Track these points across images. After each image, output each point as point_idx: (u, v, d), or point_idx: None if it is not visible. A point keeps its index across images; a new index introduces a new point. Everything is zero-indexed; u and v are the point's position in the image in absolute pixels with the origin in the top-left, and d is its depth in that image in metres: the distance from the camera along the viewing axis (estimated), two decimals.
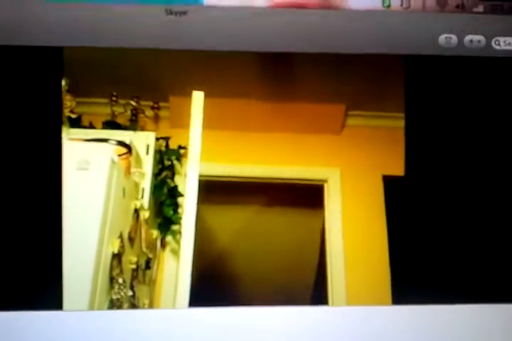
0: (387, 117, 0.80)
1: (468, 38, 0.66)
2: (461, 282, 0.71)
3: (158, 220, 0.86)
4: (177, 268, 0.82)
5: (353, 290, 0.85)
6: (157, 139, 0.88)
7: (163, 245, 0.85)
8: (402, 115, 0.70)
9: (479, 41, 0.66)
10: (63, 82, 0.75)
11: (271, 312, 0.68)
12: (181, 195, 0.86)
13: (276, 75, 0.82)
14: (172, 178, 0.88)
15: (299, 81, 0.81)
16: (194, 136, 0.85)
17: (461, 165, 0.71)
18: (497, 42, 0.66)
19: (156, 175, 0.87)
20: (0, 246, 0.64)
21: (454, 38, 0.66)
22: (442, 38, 0.66)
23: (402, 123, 0.71)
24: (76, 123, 0.83)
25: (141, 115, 0.87)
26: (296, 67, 0.80)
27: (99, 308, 0.68)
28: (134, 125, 0.87)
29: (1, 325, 0.64)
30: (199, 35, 0.65)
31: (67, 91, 0.78)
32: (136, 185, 0.86)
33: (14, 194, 0.66)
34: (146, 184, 0.86)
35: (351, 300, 0.86)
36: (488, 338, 0.69)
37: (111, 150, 0.82)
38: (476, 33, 0.66)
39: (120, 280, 0.76)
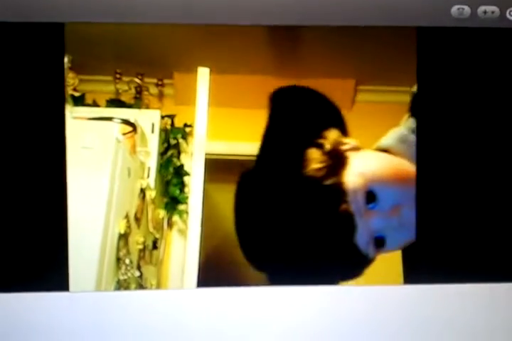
0: (399, 92, 0.78)
1: (481, 8, 0.65)
2: (472, 261, 0.70)
3: (165, 200, 0.85)
4: (184, 248, 0.82)
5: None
6: (162, 117, 0.87)
7: (170, 225, 0.85)
8: (415, 89, 0.69)
9: (493, 12, 0.65)
10: (66, 59, 0.74)
11: (279, 292, 0.68)
12: (188, 174, 0.86)
13: (284, 50, 0.80)
14: (178, 157, 0.87)
15: (308, 56, 0.80)
16: (200, 113, 0.84)
17: (475, 139, 0.70)
18: (511, 13, 0.64)
19: (161, 153, 0.86)
20: (5, 228, 0.64)
21: (466, 9, 0.65)
22: (455, 9, 0.65)
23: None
24: (79, 101, 0.82)
25: (146, 92, 0.86)
26: (305, 41, 0.79)
27: (106, 289, 0.68)
28: (138, 103, 0.86)
29: (7, 306, 0.64)
30: (205, 10, 0.64)
31: (70, 68, 0.77)
32: (142, 164, 0.85)
33: (18, 174, 0.66)
34: (152, 163, 0.86)
35: (361, 280, 0.86)
36: (498, 317, 0.68)
37: (115, 128, 0.81)
38: (489, 4, 0.65)
39: (127, 261, 0.76)
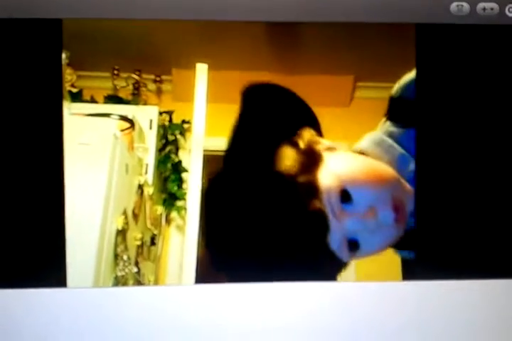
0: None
1: (480, 5, 0.65)
2: (472, 257, 0.70)
3: (163, 196, 0.85)
4: (182, 244, 0.82)
5: (361, 265, 0.84)
6: (160, 113, 0.86)
7: (168, 221, 0.85)
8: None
9: (492, 9, 0.65)
10: (63, 55, 0.73)
11: (278, 289, 0.67)
12: (186, 170, 0.86)
13: (283, 46, 0.80)
14: (176, 153, 0.87)
15: (306, 52, 0.79)
16: (198, 109, 0.84)
17: (474, 135, 0.70)
18: (511, 10, 0.64)
19: (159, 150, 0.86)
20: (3, 224, 0.64)
21: (466, 6, 0.65)
22: (454, 5, 0.65)
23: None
24: (77, 97, 0.82)
25: (144, 89, 0.86)
26: (303, 37, 0.78)
27: (104, 285, 0.68)
28: (136, 99, 0.86)
29: (5, 303, 0.64)
30: (203, 5, 0.64)
31: (68, 64, 0.77)
32: (140, 160, 0.85)
33: (16, 171, 0.66)
34: (150, 159, 0.85)
35: (359, 276, 0.86)
36: (498, 313, 0.68)
37: (113, 125, 0.81)
38: (488, 1, 0.65)
39: (125, 257, 0.76)
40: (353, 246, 0.62)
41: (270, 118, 0.69)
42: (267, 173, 0.63)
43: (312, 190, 0.61)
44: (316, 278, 0.65)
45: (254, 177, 0.64)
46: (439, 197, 0.69)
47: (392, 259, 0.72)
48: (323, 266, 0.64)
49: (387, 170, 0.65)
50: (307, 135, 0.66)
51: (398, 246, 0.67)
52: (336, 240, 0.61)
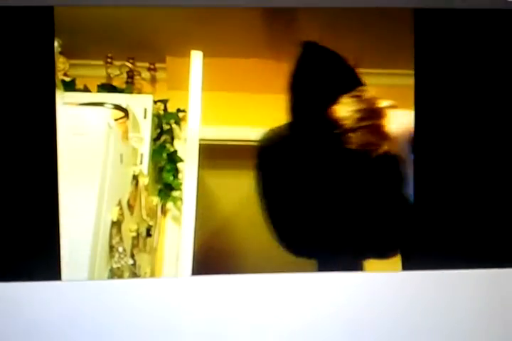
0: (397, 74, 0.76)
1: None
2: (471, 247, 0.70)
3: (158, 186, 0.84)
4: (179, 235, 0.81)
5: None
6: (155, 102, 0.85)
7: (164, 212, 0.84)
8: (412, 72, 0.68)
9: None
10: (56, 44, 0.72)
11: (276, 280, 0.67)
12: (181, 160, 0.85)
13: (279, 33, 0.79)
14: (171, 143, 0.86)
15: (304, 38, 0.78)
16: (193, 98, 0.83)
17: (474, 122, 0.69)
18: None
19: (154, 139, 0.85)
20: None
21: None
22: None
23: (412, 80, 0.69)
24: (70, 86, 0.80)
25: (138, 77, 0.84)
26: (301, 23, 0.77)
27: (99, 278, 0.68)
28: (130, 87, 0.84)
29: (0, 296, 0.63)
30: None
31: (60, 53, 0.76)
32: (135, 150, 0.84)
33: (8, 162, 0.65)
34: (145, 149, 0.84)
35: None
36: (497, 302, 0.69)
37: (107, 114, 0.80)
38: None
39: (120, 249, 0.75)
40: None
41: (331, 70, 0.72)
42: (328, 119, 0.64)
43: (381, 134, 0.63)
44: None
45: (318, 123, 0.66)
46: (439, 186, 0.69)
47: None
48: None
49: None
50: (367, 92, 0.69)
51: None
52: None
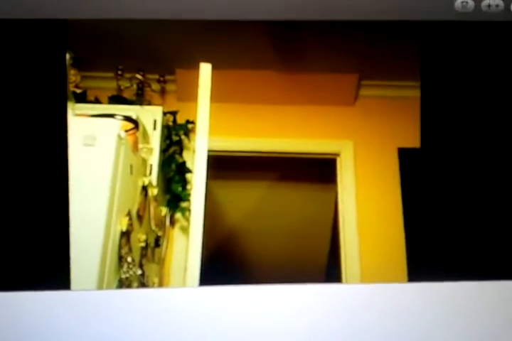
0: (402, 87, 0.77)
1: (485, 2, 0.64)
2: (477, 259, 0.70)
3: (167, 197, 0.85)
4: (187, 245, 0.82)
5: (367, 267, 0.84)
6: (164, 114, 0.86)
7: (173, 222, 0.84)
8: (418, 84, 0.69)
9: (497, 5, 0.64)
10: (67, 56, 0.73)
11: (283, 291, 0.67)
12: (190, 171, 0.85)
13: (287, 45, 0.80)
14: (180, 154, 0.87)
15: (310, 50, 0.79)
16: (202, 109, 0.83)
17: (479, 135, 0.69)
18: None
19: (163, 150, 0.86)
20: (7, 226, 0.64)
21: (470, 3, 0.64)
22: (458, 2, 0.64)
23: (417, 92, 0.69)
24: (81, 98, 0.82)
25: (148, 89, 0.86)
26: (308, 36, 0.78)
27: (108, 288, 0.68)
28: (140, 99, 0.86)
29: (9, 305, 0.64)
30: (206, 5, 0.63)
31: (72, 65, 0.77)
32: (144, 161, 0.85)
33: (20, 172, 0.66)
34: (154, 160, 0.85)
35: (365, 278, 0.85)
36: (502, 314, 0.68)
37: (117, 125, 0.81)
38: None
39: (129, 259, 0.75)
40: None
41: None
42: None
43: None
44: None
45: None
46: (447, 199, 0.69)
47: (397, 260, 0.72)
48: None
49: None
50: None
51: None
52: None
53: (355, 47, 0.78)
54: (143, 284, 0.75)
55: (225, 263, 0.77)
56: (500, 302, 0.67)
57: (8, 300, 0.63)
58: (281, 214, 0.90)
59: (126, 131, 0.82)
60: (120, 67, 0.84)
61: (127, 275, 0.73)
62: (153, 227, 0.82)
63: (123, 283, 0.72)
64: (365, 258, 0.85)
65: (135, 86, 0.85)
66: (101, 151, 0.76)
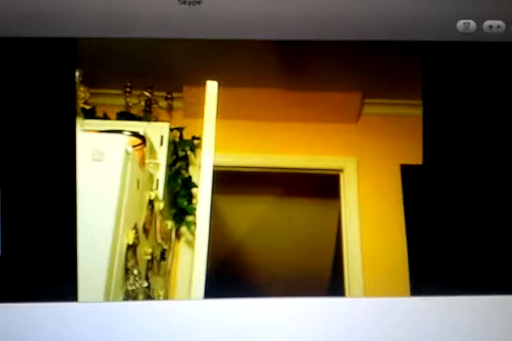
0: (404, 105, 0.78)
1: (487, 23, 0.65)
2: (481, 273, 0.70)
3: (173, 211, 0.85)
4: (192, 259, 0.82)
5: (370, 281, 0.84)
6: (171, 130, 0.87)
7: (178, 236, 0.85)
8: (420, 103, 0.69)
9: (499, 26, 0.65)
10: (77, 74, 0.74)
11: (287, 304, 0.67)
12: (195, 186, 0.86)
13: (291, 64, 0.81)
14: (186, 169, 0.88)
15: (314, 69, 0.80)
16: (208, 126, 0.84)
17: (481, 153, 0.70)
18: None
19: (170, 165, 0.87)
20: (15, 238, 0.65)
21: (472, 24, 0.65)
22: (460, 23, 0.65)
23: (420, 111, 0.69)
24: (90, 114, 0.83)
25: (155, 106, 0.87)
26: (313, 55, 0.79)
27: (115, 300, 0.69)
28: (147, 116, 0.87)
29: (16, 317, 0.64)
30: (213, 24, 0.65)
31: (81, 82, 0.78)
32: (151, 176, 0.86)
33: (29, 186, 0.66)
34: (161, 175, 0.86)
35: (368, 292, 0.85)
36: (507, 330, 0.68)
37: (125, 141, 0.82)
38: (495, 18, 0.65)
39: (135, 272, 0.76)
40: None
41: None
42: None
43: None
44: None
45: None
46: (450, 214, 0.69)
47: (400, 274, 0.72)
48: None
49: None
50: None
51: None
52: None
53: (359, 66, 0.79)
54: (149, 296, 0.75)
55: (229, 277, 0.78)
56: (506, 317, 0.67)
57: (16, 312, 0.63)
58: (285, 229, 0.91)
59: (134, 146, 0.83)
60: (128, 84, 0.86)
61: (133, 287, 0.74)
62: (159, 241, 0.83)
63: (129, 295, 0.72)
64: (368, 273, 0.85)
65: (143, 103, 0.86)
66: (109, 166, 0.77)
